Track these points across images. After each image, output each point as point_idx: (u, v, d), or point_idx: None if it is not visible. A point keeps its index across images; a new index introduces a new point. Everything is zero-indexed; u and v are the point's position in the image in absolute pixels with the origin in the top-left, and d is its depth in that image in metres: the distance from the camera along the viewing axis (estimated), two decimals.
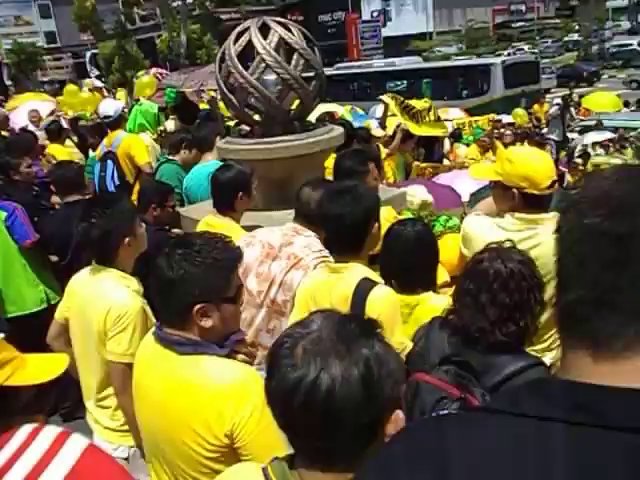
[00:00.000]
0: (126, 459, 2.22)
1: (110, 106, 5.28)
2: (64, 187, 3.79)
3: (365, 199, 2.10)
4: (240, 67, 3.07)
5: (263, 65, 3.03)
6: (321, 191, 2.41)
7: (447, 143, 7.38)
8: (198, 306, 1.50)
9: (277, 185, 3.29)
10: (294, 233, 2.48)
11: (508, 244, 1.77)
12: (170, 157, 5.08)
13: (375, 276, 2.11)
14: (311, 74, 3.39)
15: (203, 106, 7.39)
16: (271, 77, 3.17)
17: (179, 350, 1.52)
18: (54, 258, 4.14)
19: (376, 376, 0.97)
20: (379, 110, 8.83)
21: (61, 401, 4.26)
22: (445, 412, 1.33)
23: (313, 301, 2.12)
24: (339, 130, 3.41)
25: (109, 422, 2.28)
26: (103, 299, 2.15)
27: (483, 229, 2.21)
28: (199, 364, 1.51)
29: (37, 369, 1.28)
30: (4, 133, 7.71)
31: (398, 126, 5.93)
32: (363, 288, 1.97)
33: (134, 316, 2.09)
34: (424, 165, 6.34)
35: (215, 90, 10.01)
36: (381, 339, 1.03)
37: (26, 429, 0.66)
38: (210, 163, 3.86)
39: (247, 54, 3.23)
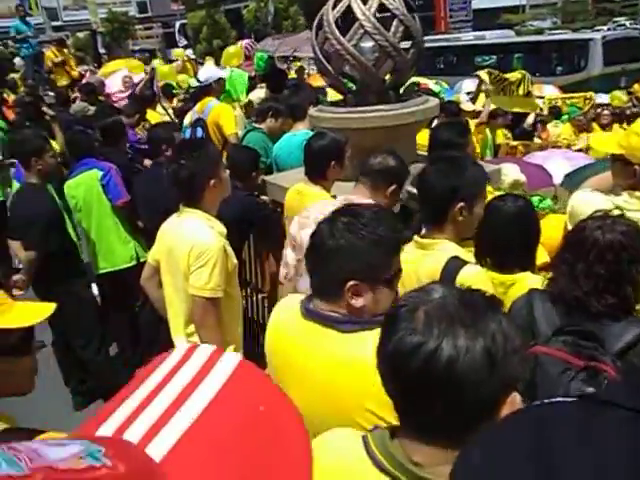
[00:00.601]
0: None
1: (205, 73, 5.35)
2: (158, 147, 3.89)
3: (464, 173, 1.99)
4: (337, 33, 3.02)
5: (361, 31, 2.96)
6: (391, 155, 2.45)
7: (531, 117, 7.04)
8: (351, 282, 1.39)
9: (367, 156, 3.23)
10: None
11: (616, 212, 1.70)
12: (256, 125, 5.12)
13: (466, 255, 2.03)
14: (406, 45, 3.29)
15: (291, 76, 7.39)
16: (368, 44, 3.10)
17: (341, 328, 1.41)
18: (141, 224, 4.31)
19: (502, 351, 0.91)
20: (466, 86, 8.53)
21: (147, 353, 4.49)
22: (573, 384, 1.29)
23: None
24: (434, 101, 3.30)
25: None
26: (187, 238, 2.27)
27: (592, 205, 2.08)
28: (368, 342, 1.36)
29: (22, 314, 1.35)
30: (100, 98, 8.07)
31: (487, 97, 5.73)
32: (453, 266, 1.89)
33: (214, 253, 2.19)
34: (515, 143, 6.09)
35: (300, 59, 10.00)
36: (506, 315, 0.97)
37: (182, 348, 0.72)
38: (301, 132, 3.84)
39: (343, 21, 3.16)
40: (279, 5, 21.72)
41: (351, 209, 1.52)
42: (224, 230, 2.38)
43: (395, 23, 3.00)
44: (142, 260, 4.24)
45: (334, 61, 3.18)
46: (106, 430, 0.49)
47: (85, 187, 4.11)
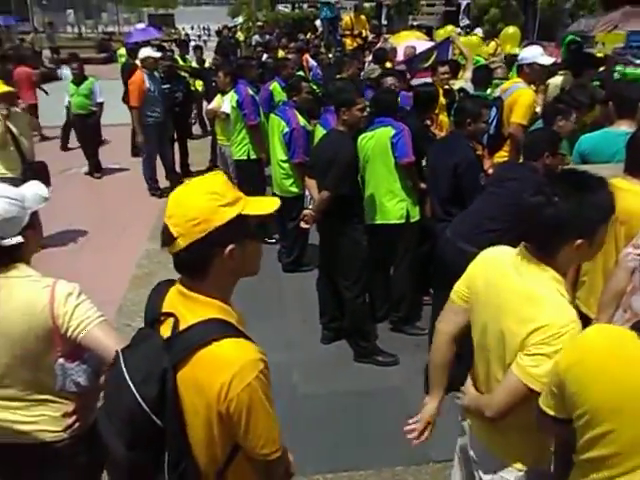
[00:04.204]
0: None
1: (527, 52, 5.18)
2: (463, 118, 3.93)
3: None
4: None
5: None
6: None
7: None
8: None
9: None
10: None
11: None
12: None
13: None
14: None
15: None
16: None
17: None
18: (423, 185, 4.44)
19: None
20: None
21: (393, 311, 4.69)
22: None
23: None
24: None
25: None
26: (536, 302, 1.71)
27: None
28: None
29: (259, 205, 1.48)
30: (388, 65, 8.43)
31: None
32: None
33: (566, 339, 1.64)
34: None
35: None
36: None
37: None
38: (620, 131, 3.45)
39: None
40: None
41: None
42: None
43: None
44: (412, 220, 4.42)
45: None
46: None
47: (376, 141, 4.37)
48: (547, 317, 1.67)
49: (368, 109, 4.17)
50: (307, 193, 4.84)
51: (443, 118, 5.87)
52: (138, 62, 8.13)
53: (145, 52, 7.79)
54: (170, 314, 1.44)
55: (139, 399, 1.33)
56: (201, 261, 1.42)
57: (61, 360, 1.94)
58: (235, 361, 1.36)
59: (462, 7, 24.74)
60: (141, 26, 13.85)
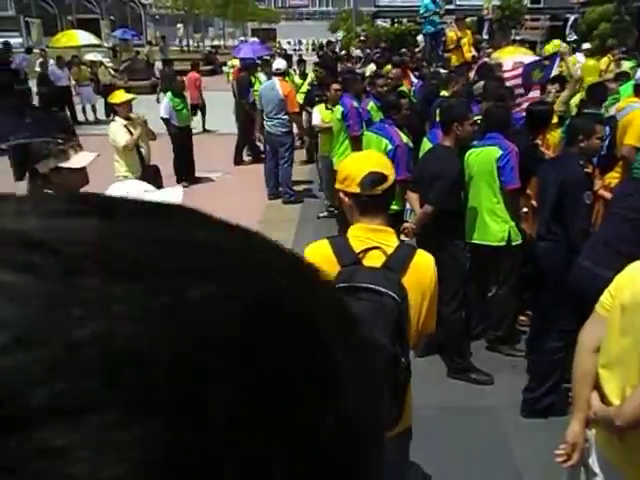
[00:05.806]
0: None
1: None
2: (575, 135, 3.84)
3: None
4: None
5: None
6: None
7: None
8: None
9: None
10: None
11: None
12: None
13: None
14: None
15: None
16: None
17: None
18: (524, 210, 4.35)
19: None
20: None
21: (493, 330, 4.61)
22: None
23: None
24: None
25: None
26: None
27: None
28: None
29: None
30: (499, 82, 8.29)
31: None
32: None
33: None
34: None
35: None
36: None
37: None
38: None
39: None
40: None
41: None
42: None
43: None
44: (514, 244, 4.33)
45: None
46: None
47: (482, 159, 4.29)
48: None
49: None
50: (407, 206, 4.88)
51: (549, 137, 5.73)
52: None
53: (283, 63, 8.69)
54: (374, 247, 1.95)
55: (399, 300, 1.83)
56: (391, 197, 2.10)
57: None
58: (430, 260, 2.02)
59: (569, 22, 23.98)
60: (253, 40, 14.51)
